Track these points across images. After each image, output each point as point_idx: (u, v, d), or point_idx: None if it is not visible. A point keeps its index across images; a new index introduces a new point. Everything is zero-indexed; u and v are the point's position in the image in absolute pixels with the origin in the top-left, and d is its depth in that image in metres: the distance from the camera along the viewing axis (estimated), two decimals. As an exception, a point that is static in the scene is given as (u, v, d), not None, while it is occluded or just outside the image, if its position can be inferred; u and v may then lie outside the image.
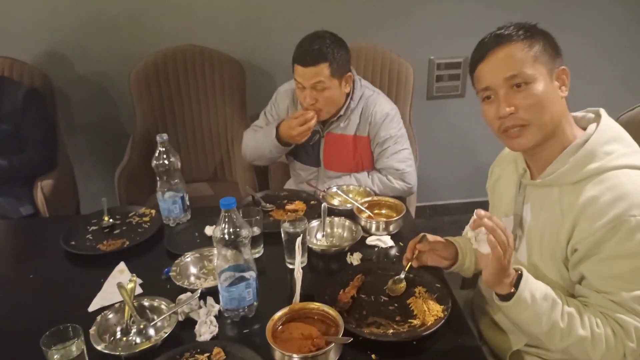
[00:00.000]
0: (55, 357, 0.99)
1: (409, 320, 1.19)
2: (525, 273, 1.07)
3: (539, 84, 1.07)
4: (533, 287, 1.05)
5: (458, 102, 2.85)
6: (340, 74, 1.75)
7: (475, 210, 1.04)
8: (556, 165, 1.11)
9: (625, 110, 1.52)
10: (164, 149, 1.58)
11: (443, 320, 1.16)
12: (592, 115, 1.16)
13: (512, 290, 1.05)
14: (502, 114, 1.08)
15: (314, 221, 1.56)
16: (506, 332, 1.29)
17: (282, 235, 1.40)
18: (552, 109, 1.08)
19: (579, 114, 1.18)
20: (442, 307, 1.22)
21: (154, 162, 1.59)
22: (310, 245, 1.46)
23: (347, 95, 1.84)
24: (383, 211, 1.66)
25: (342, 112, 1.84)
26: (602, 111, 1.14)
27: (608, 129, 1.10)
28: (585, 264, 1.07)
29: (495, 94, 1.10)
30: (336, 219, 1.59)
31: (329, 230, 1.56)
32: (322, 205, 1.54)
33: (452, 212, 3.17)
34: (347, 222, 1.57)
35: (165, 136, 1.58)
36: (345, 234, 1.56)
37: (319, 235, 1.55)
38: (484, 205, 1.43)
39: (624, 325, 1.03)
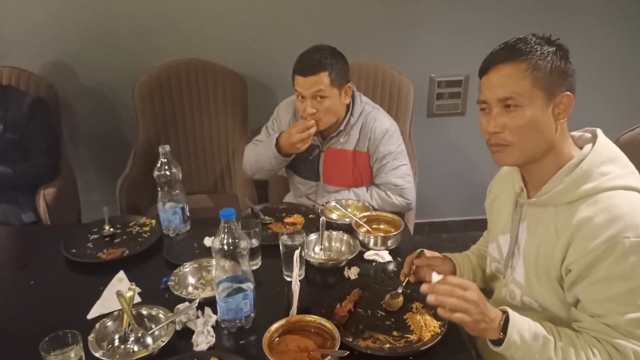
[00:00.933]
0: (53, 362, 1.00)
1: (406, 336, 1.19)
2: (511, 315, 1.06)
3: (531, 110, 1.07)
4: (521, 327, 1.05)
5: (458, 120, 2.88)
6: (340, 84, 1.78)
7: (421, 288, 1.10)
8: (551, 184, 1.12)
9: (625, 131, 1.54)
10: (166, 160, 1.60)
11: (440, 337, 1.17)
12: (589, 135, 1.17)
13: (501, 336, 1.05)
14: (489, 130, 1.11)
15: (312, 235, 1.57)
16: None
17: (281, 247, 1.41)
18: (540, 135, 1.08)
19: (576, 133, 1.19)
20: (439, 323, 1.22)
21: (156, 173, 1.61)
22: (308, 259, 1.46)
23: (347, 107, 1.86)
24: (381, 226, 1.67)
25: (341, 127, 1.87)
26: (599, 131, 1.14)
27: (604, 149, 1.10)
28: (580, 286, 1.07)
29: (490, 108, 1.12)
30: (334, 233, 1.60)
31: (326, 244, 1.58)
32: (321, 219, 1.56)
33: (450, 229, 3.18)
34: (345, 237, 1.59)
35: (167, 147, 1.61)
36: (343, 248, 1.57)
37: (317, 249, 1.56)
38: (482, 223, 1.45)
39: (621, 349, 1.02)
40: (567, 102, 1.08)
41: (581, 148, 1.13)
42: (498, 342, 1.07)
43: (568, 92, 1.08)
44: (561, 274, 1.10)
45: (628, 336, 1.02)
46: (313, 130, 1.78)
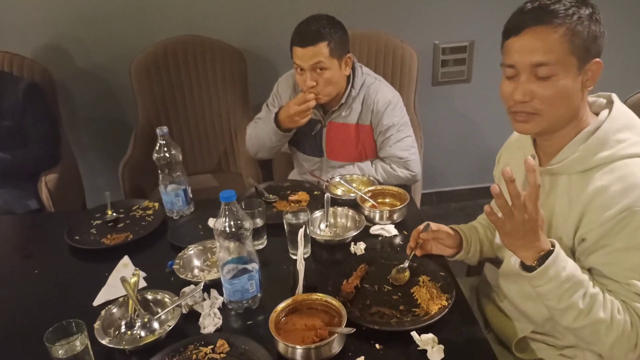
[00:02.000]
0: (59, 352, 1.00)
1: (413, 310, 1.19)
2: (557, 250, 1.00)
3: (564, 79, 1.01)
4: (560, 267, 0.99)
5: (464, 87, 2.82)
6: (339, 55, 1.73)
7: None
8: (566, 152, 1.08)
9: (633, 94, 1.49)
10: (164, 142, 1.58)
11: (447, 309, 1.16)
12: (603, 101, 1.13)
13: (535, 264, 1.00)
14: (516, 98, 1.04)
15: (317, 212, 1.55)
16: (512, 320, 1.29)
17: (285, 226, 1.39)
18: (569, 104, 1.04)
19: (590, 98, 1.14)
20: (446, 295, 1.21)
21: (155, 156, 1.58)
22: (313, 236, 1.45)
23: (347, 79, 1.82)
24: (387, 200, 1.65)
25: (343, 101, 1.82)
26: (614, 96, 1.10)
27: (620, 116, 1.06)
28: (595, 256, 1.04)
29: (518, 74, 1.04)
30: (339, 209, 1.58)
31: (332, 221, 1.56)
32: (325, 195, 1.54)
33: (459, 198, 3.15)
34: (351, 212, 1.56)
35: (165, 129, 1.58)
36: (348, 224, 1.55)
37: (323, 226, 1.54)
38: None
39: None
40: (595, 69, 1.03)
41: (596, 114, 1.09)
42: (530, 269, 1.01)
43: (598, 59, 1.02)
44: (574, 242, 1.08)
45: None
46: (312, 103, 1.74)
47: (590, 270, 1.08)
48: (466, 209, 3.09)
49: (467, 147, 2.98)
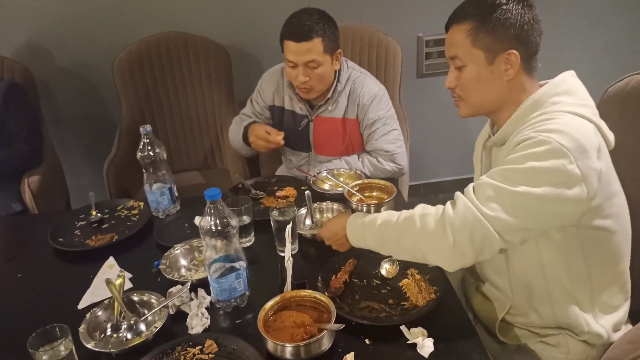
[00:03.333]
0: (43, 358, 0.98)
1: (402, 303, 1.19)
2: (353, 214, 1.24)
3: (473, 69, 1.13)
4: (358, 217, 1.22)
5: (448, 78, 2.81)
6: (332, 50, 1.72)
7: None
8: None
9: (613, 82, 1.49)
10: (148, 141, 1.56)
11: (436, 302, 1.16)
12: None
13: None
14: (445, 86, 1.20)
15: (304, 207, 1.54)
16: (492, 302, 1.29)
17: (272, 223, 1.38)
18: (485, 90, 1.14)
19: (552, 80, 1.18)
20: (434, 288, 1.22)
21: (139, 154, 1.56)
22: (300, 232, 1.44)
23: (336, 73, 1.80)
24: (374, 194, 1.64)
25: (329, 95, 1.81)
26: (569, 72, 1.14)
27: (561, 83, 1.11)
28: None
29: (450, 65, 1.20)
30: (324, 204, 1.57)
31: (319, 216, 1.55)
32: (306, 192, 1.52)
33: (446, 189, 3.16)
34: (335, 206, 1.56)
35: (149, 127, 1.55)
36: (336, 219, 1.55)
37: (309, 222, 1.53)
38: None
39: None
40: (513, 59, 1.09)
41: None
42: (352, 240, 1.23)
43: (513, 50, 1.08)
44: None
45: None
46: (274, 146, 1.78)
47: None
48: (454, 200, 3.09)
49: (452, 138, 2.99)
